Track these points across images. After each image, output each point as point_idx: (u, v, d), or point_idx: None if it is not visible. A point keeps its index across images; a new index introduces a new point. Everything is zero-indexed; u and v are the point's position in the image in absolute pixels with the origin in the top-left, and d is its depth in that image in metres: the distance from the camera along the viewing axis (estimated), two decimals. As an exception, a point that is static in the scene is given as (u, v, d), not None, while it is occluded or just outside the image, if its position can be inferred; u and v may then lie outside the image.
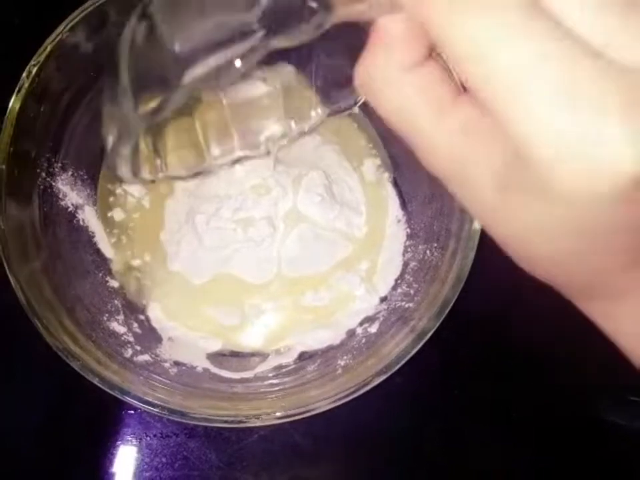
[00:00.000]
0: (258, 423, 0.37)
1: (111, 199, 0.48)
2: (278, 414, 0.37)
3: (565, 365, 0.51)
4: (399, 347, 0.39)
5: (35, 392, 0.49)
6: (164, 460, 0.49)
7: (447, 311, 0.38)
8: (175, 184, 0.49)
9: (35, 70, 0.38)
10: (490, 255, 0.49)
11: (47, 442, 0.49)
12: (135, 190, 0.48)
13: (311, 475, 0.50)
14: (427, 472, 0.51)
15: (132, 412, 0.48)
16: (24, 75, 0.38)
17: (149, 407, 0.37)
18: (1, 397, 0.49)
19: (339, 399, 0.37)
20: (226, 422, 0.37)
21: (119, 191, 0.48)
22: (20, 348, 0.48)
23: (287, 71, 0.50)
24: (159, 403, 0.37)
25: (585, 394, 0.51)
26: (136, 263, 0.48)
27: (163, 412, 0.37)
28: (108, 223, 0.48)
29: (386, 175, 0.50)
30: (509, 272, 0.51)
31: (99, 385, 0.37)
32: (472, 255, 0.39)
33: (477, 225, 0.39)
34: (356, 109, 0.51)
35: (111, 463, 0.48)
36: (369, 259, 0.48)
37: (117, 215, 0.48)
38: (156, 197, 0.49)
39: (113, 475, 0.48)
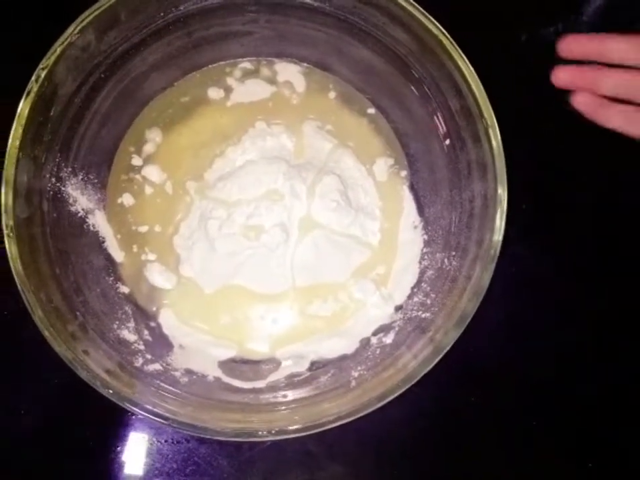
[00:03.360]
0: (270, 437, 0.36)
1: (124, 185, 0.47)
2: (290, 428, 0.36)
3: (585, 372, 0.50)
4: (416, 359, 0.38)
5: (45, 397, 0.49)
6: (175, 466, 0.48)
7: (465, 324, 0.37)
8: (188, 185, 0.48)
9: (44, 74, 0.37)
10: (509, 263, 0.49)
11: (57, 446, 0.49)
12: (155, 176, 0.47)
13: (323, 481, 0.50)
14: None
15: (143, 417, 0.48)
16: (33, 78, 0.37)
17: (160, 419, 0.36)
18: (11, 402, 0.48)
19: (353, 414, 0.36)
20: (238, 435, 0.36)
21: (137, 177, 0.47)
22: (30, 352, 0.47)
23: (298, 70, 0.49)
24: (169, 415, 0.36)
25: (607, 401, 0.50)
26: (143, 229, 0.47)
27: (174, 424, 0.36)
28: (117, 211, 0.47)
29: (402, 173, 0.49)
30: (529, 281, 0.50)
31: (108, 396, 0.36)
32: (492, 266, 0.37)
33: (498, 235, 0.38)
34: (372, 110, 0.50)
35: (121, 468, 0.48)
36: (385, 265, 0.47)
37: (127, 200, 0.47)
38: (177, 181, 0.48)
39: (123, 480, 0.48)
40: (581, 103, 0.41)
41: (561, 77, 0.41)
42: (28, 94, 0.37)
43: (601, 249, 0.51)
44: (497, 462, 0.49)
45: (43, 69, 0.37)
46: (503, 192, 0.38)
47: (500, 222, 0.38)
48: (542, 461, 0.49)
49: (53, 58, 0.37)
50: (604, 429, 0.50)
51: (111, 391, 0.36)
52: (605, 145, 0.52)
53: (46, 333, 0.36)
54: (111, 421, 0.48)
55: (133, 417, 0.48)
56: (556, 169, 0.53)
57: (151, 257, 0.47)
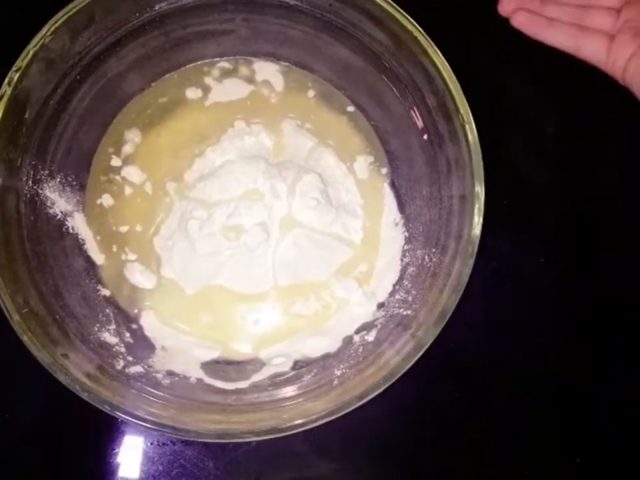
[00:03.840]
0: (252, 438, 0.36)
1: (103, 186, 0.47)
2: (273, 428, 0.36)
3: (569, 365, 0.50)
4: (398, 355, 0.38)
5: (28, 401, 0.48)
6: (161, 468, 0.48)
7: (446, 320, 0.37)
8: (168, 186, 0.47)
9: (17, 76, 0.37)
10: (490, 259, 0.49)
11: (41, 451, 0.48)
12: (135, 176, 0.47)
13: (310, 481, 0.50)
14: (427, 476, 0.50)
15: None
16: (5, 81, 0.37)
17: (141, 422, 0.36)
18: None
19: (336, 412, 0.36)
20: (220, 437, 0.36)
21: (117, 177, 0.47)
22: (10, 356, 0.47)
23: (276, 69, 0.49)
24: (150, 418, 0.36)
25: (590, 399, 0.50)
26: (123, 229, 0.46)
27: (155, 427, 0.36)
28: (96, 212, 0.46)
29: (382, 171, 0.49)
30: (509, 276, 0.51)
31: (88, 400, 0.36)
32: (471, 261, 0.37)
33: (476, 231, 0.38)
34: (351, 108, 0.49)
35: (107, 471, 0.48)
36: (367, 263, 0.47)
37: (106, 201, 0.47)
38: (157, 182, 0.47)
39: (109, 484, 0.48)
40: (521, 22, 0.43)
41: (506, 6, 0.44)
42: (1, 97, 0.37)
43: (584, 243, 0.52)
44: (480, 457, 0.50)
45: (15, 71, 0.37)
46: (480, 187, 0.38)
47: (478, 217, 0.38)
48: (526, 456, 0.50)
49: (26, 60, 0.37)
50: (589, 424, 0.50)
51: (90, 395, 0.36)
52: (585, 139, 0.53)
53: (24, 338, 0.36)
54: (95, 425, 0.48)
55: (118, 420, 0.48)
56: (537, 164, 0.53)
57: (131, 256, 0.46)
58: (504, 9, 0.45)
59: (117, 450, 0.48)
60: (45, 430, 0.48)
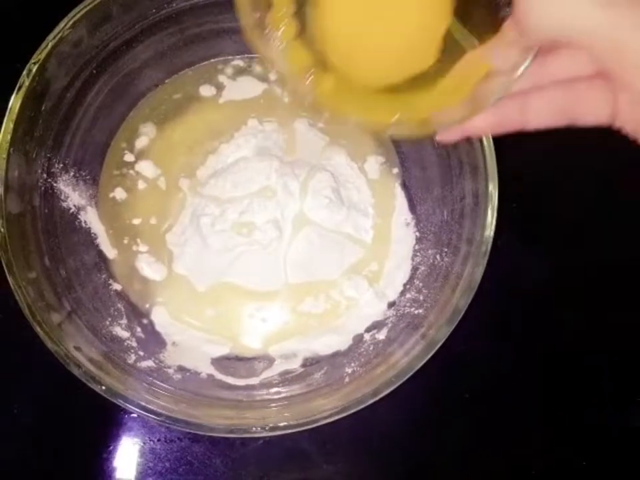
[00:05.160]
0: (263, 433, 0.36)
1: (116, 180, 0.47)
2: (284, 424, 0.36)
3: (580, 366, 0.50)
4: (409, 355, 0.38)
5: (36, 395, 0.48)
6: (167, 465, 0.48)
7: (458, 319, 0.37)
8: (181, 183, 0.48)
9: (35, 68, 0.37)
10: (500, 261, 0.49)
11: (48, 446, 0.48)
12: (148, 171, 0.47)
13: (317, 480, 0.50)
14: (435, 478, 0.50)
15: (135, 416, 0.48)
16: (24, 73, 0.37)
17: (152, 416, 0.36)
18: (2, 400, 0.48)
19: (347, 409, 0.36)
20: (231, 431, 0.36)
21: (130, 172, 0.47)
22: (22, 350, 0.47)
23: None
24: (162, 411, 0.36)
25: (596, 397, 0.50)
26: (136, 221, 0.47)
27: (167, 421, 0.36)
28: (109, 206, 0.47)
29: (394, 171, 0.49)
30: (519, 279, 0.50)
31: (100, 392, 0.36)
32: (484, 261, 0.38)
33: (489, 231, 0.38)
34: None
35: (113, 467, 0.48)
36: (377, 263, 0.47)
37: (119, 194, 0.47)
38: (171, 177, 0.48)
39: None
40: (483, 126, 0.29)
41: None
42: (19, 88, 0.37)
43: (593, 245, 0.52)
44: (491, 459, 0.50)
45: (34, 63, 0.37)
46: (493, 188, 0.38)
47: (491, 218, 0.38)
48: (537, 458, 0.50)
49: (44, 52, 0.37)
50: (599, 427, 0.50)
51: (103, 387, 0.36)
52: (592, 146, 0.53)
53: (38, 329, 0.36)
54: (103, 421, 0.48)
55: (126, 415, 0.48)
56: (547, 167, 0.53)
57: (142, 248, 0.47)
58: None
59: (123, 447, 0.48)
60: (50, 426, 0.48)
